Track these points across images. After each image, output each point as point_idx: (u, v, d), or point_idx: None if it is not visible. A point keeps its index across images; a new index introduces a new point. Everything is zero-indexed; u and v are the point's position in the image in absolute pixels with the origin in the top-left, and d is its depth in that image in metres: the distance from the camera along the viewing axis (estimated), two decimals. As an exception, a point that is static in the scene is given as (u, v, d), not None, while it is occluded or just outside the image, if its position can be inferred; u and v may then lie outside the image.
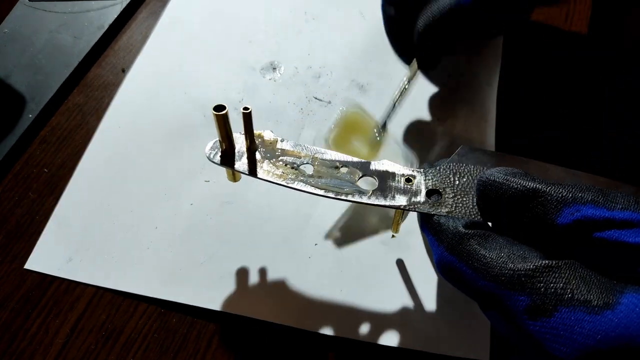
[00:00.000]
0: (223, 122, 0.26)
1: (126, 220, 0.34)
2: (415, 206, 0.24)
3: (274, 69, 0.42)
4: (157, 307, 0.31)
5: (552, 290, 0.17)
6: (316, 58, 0.42)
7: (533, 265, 0.18)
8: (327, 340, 0.29)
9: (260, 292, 0.31)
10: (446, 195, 0.24)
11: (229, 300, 0.30)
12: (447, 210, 0.23)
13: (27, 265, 0.32)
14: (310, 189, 0.26)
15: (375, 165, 0.27)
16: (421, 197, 0.25)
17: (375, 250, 0.32)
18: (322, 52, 0.42)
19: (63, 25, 0.45)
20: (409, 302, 0.30)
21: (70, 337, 0.30)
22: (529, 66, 0.41)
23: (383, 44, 0.43)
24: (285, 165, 0.27)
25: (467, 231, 0.21)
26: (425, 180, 0.25)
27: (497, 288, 0.19)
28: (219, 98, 0.40)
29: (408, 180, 0.26)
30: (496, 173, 0.21)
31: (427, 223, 0.24)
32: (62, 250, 0.33)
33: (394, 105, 0.34)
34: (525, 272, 0.18)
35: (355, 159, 0.27)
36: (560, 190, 0.19)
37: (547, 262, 0.18)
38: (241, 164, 0.27)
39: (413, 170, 0.26)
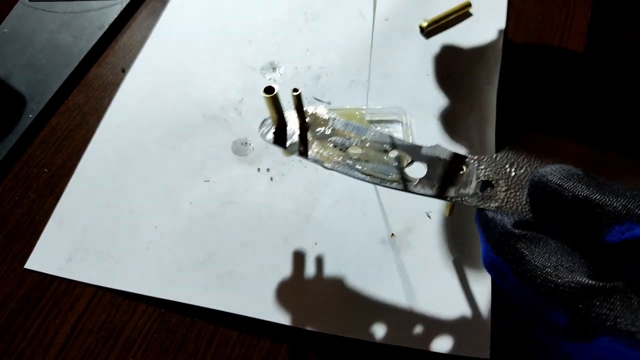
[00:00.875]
0: (274, 104, 0.25)
1: (126, 220, 0.34)
2: (463, 199, 0.23)
3: (274, 69, 0.42)
4: (157, 307, 0.31)
5: (594, 314, 0.16)
6: (316, 58, 0.42)
7: (578, 283, 0.17)
8: (328, 340, 0.29)
9: (260, 292, 0.31)
10: (498, 188, 0.22)
11: (229, 300, 0.30)
12: (496, 205, 0.22)
13: (27, 265, 0.32)
14: (356, 174, 0.25)
15: (427, 150, 0.25)
16: (470, 189, 0.23)
17: (375, 250, 0.32)
18: (322, 52, 0.42)
19: (63, 25, 0.45)
20: (409, 302, 0.30)
21: (70, 337, 0.30)
22: (529, 66, 0.41)
23: (383, 44, 0.43)
24: (334, 146, 0.26)
25: (515, 231, 0.20)
26: (477, 169, 0.23)
27: (537, 298, 0.18)
28: (218, 98, 0.40)
29: (459, 169, 0.24)
30: (550, 175, 0.19)
31: (478, 216, 0.22)
32: (62, 250, 0.33)
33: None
34: (568, 289, 0.17)
35: (407, 142, 0.26)
36: (614, 203, 0.17)
37: (593, 282, 0.17)
38: (292, 144, 0.26)
39: (467, 158, 0.24)
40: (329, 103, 0.39)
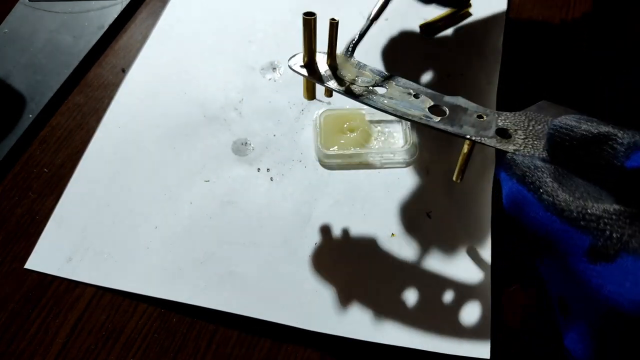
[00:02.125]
0: (311, 29, 0.27)
1: (126, 220, 0.34)
2: (482, 138, 0.23)
3: (274, 69, 0.42)
4: (157, 307, 0.31)
5: (618, 235, 0.17)
6: (316, 58, 0.42)
7: (603, 206, 0.17)
8: (327, 340, 0.29)
9: (260, 291, 0.31)
10: (517, 136, 0.23)
11: (229, 300, 0.30)
12: (514, 148, 0.22)
13: (27, 265, 0.32)
14: (380, 106, 0.26)
15: (449, 98, 0.26)
16: (490, 132, 0.24)
17: (375, 250, 0.32)
18: (322, 52, 0.42)
19: (63, 25, 0.45)
20: (409, 302, 0.30)
21: (70, 337, 0.30)
22: (529, 66, 0.41)
23: (383, 44, 0.43)
24: (361, 85, 0.27)
25: (544, 164, 0.20)
26: (497, 120, 0.24)
27: (560, 223, 0.18)
28: (218, 98, 0.40)
29: (480, 116, 0.25)
30: (569, 119, 0.21)
31: (501, 160, 0.23)
32: (62, 250, 0.33)
33: (370, 21, 0.33)
34: (593, 212, 0.17)
35: (430, 90, 0.27)
36: (632, 134, 0.18)
37: (617, 207, 0.17)
38: (322, 76, 0.27)
39: (487, 109, 0.25)
40: (329, 103, 0.39)
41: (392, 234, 0.33)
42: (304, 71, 0.27)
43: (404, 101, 0.26)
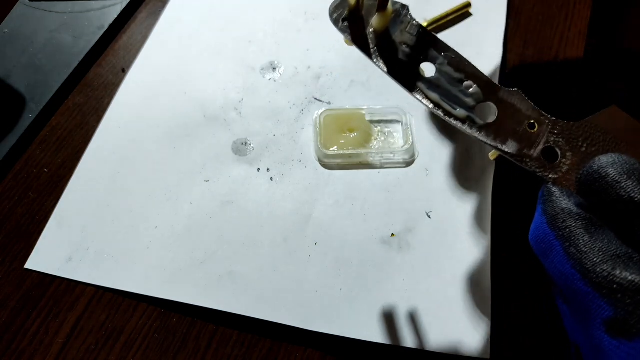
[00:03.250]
0: None
1: (126, 220, 0.34)
2: (523, 160, 0.21)
3: (274, 69, 0.42)
4: (157, 307, 0.31)
5: None
6: (316, 58, 0.42)
7: (630, 277, 0.16)
8: (327, 340, 0.29)
9: (260, 291, 0.31)
10: (564, 160, 0.21)
11: (229, 300, 0.30)
12: (554, 177, 0.21)
13: (27, 265, 0.32)
14: (420, 98, 0.23)
15: (504, 94, 0.23)
16: (535, 151, 0.21)
17: (375, 250, 0.32)
18: (322, 52, 0.42)
19: (63, 25, 0.45)
20: (409, 302, 0.30)
21: (70, 337, 0.30)
22: (529, 66, 0.41)
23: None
24: (407, 56, 0.23)
25: (578, 211, 0.19)
26: (549, 132, 0.22)
27: (584, 284, 0.17)
28: (218, 98, 0.40)
29: (531, 126, 0.22)
30: (611, 167, 0.18)
31: (542, 185, 0.21)
32: (62, 250, 0.33)
33: None
34: (619, 282, 0.16)
35: (485, 77, 0.23)
36: None
37: None
38: (363, 38, 0.23)
39: (542, 115, 0.22)
40: (329, 103, 0.39)
41: (392, 234, 0.33)
42: (345, 29, 0.23)
43: (450, 92, 0.23)
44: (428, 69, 0.23)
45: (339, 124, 0.37)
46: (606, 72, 0.41)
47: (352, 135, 0.36)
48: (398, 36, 0.24)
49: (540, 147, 0.22)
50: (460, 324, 0.29)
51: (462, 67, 0.23)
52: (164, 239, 0.33)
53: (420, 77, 0.23)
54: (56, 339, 0.30)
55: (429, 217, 0.33)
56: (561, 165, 0.21)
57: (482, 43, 0.42)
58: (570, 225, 0.18)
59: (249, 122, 0.38)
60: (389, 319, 0.29)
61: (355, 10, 0.23)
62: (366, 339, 0.29)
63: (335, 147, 0.36)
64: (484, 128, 0.22)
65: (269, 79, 0.41)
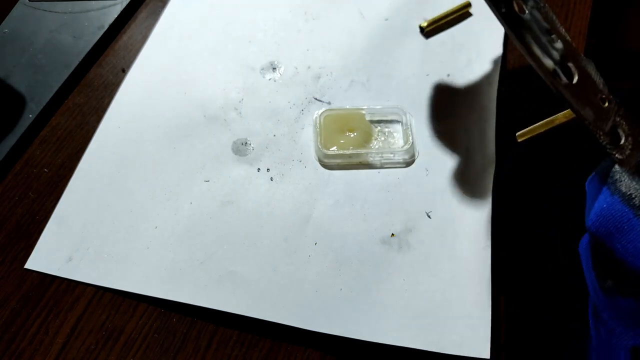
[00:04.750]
0: None
1: (126, 220, 0.34)
2: (599, 132, 0.21)
3: (274, 69, 0.42)
4: (157, 307, 0.31)
5: None
6: (316, 58, 0.42)
7: None
8: (327, 340, 0.29)
9: (260, 291, 0.31)
10: (626, 144, 0.21)
11: (229, 300, 0.30)
12: (622, 157, 0.20)
13: (27, 265, 0.32)
14: (515, 38, 0.21)
15: (583, 60, 0.23)
16: (607, 126, 0.21)
17: (375, 250, 0.32)
18: (322, 52, 0.42)
19: (63, 25, 0.45)
20: (409, 302, 0.30)
21: (70, 337, 0.30)
22: (529, 66, 0.41)
23: (383, 44, 0.43)
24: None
25: None
26: (617, 112, 0.22)
27: None
28: (218, 98, 0.40)
29: (603, 100, 0.22)
30: None
31: (600, 173, 0.21)
32: (62, 250, 0.33)
33: None
34: None
35: (567, 37, 0.23)
36: None
37: None
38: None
39: (611, 95, 0.22)
40: (329, 103, 0.39)
41: (392, 234, 0.33)
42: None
43: (540, 39, 0.22)
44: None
45: (339, 124, 0.37)
46: (606, 72, 0.41)
47: (352, 135, 0.36)
48: None
49: (610, 124, 0.21)
50: (460, 324, 0.29)
51: (548, 18, 0.23)
52: (164, 239, 0.33)
53: (515, 13, 0.22)
54: (56, 339, 0.30)
55: (429, 217, 0.33)
56: (624, 148, 0.21)
57: (482, 43, 0.42)
58: None
59: (249, 122, 0.38)
60: (389, 319, 0.29)
61: None
62: (366, 339, 0.29)
63: (335, 147, 0.36)
64: (568, 87, 0.21)
65: (269, 79, 0.41)
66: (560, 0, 0.45)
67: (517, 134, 0.26)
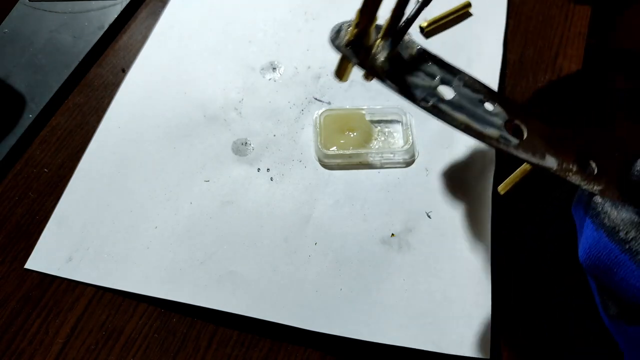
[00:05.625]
0: (376, 3, 0.21)
1: (126, 220, 0.34)
2: (567, 174, 0.20)
3: (274, 69, 0.42)
4: (157, 307, 0.31)
5: None
6: (316, 58, 0.42)
7: None
8: (327, 340, 0.29)
9: (260, 291, 0.31)
10: (601, 171, 0.20)
11: (229, 300, 0.30)
12: (600, 188, 0.19)
13: (27, 265, 0.32)
14: (452, 121, 0.21)
15: (525, 109, 0.22)
16: (573, 165, 0.20)
17: (375, 250, 0.32)
18: (322, 52, 0.42)
19: (63, 25, 0.45)
20: (409, 302, 0.30)
21: (70, 337, 0.30)
22: (529, 66, 0.41)
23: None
24: (424, 77, 0.22)
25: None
26: (578, 143, 0.21)
27: None
28: (218, 98, 0.40)
29: (560, 139, 0.21)
30: None
31: (582, 202, 0.20)
32: (62, 250, 0.33)
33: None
34: None
35: (503, 96, 0.23)
36: None
37: None
38: (371, 60, 0.21)
39: (567, 127, 0.23)
40: (329, 103, 0.39)
41: (392, 234, 0.33)
42: (351, 53, 0.21)
43: (476, 113, 0.21)
44: (447, 92, 0.22)
45: (339, 124, 0.37)
46: (606, 72, 0.41)
47: (352, 135, 0.36)
48: (407, 60, 0.23)
49: (576, 159, 0.21)
50: (460, 324, 0.29)
51: (477, 87, 0.23)
52: (164, 239, 0.33)
53: (442, 100, 0.22)
54: (56, 339, 0.30)
55: (429, 217, 0.33)
56: (601, 175, 0.20)
57: (482, 43, 0.42)
58: (636, 236, 0.17)
59: (249, 122, 0.38)
60: (389, 319, 0.29)
61: (359, 35, 0.22)
62: (366, 339, 0.29)
63: (335, 147, 0.36)
64: (520, 145, 0.21)
65: (269, 79, 0.41)
66: (560, 0, 0.45)
67: (499, 188, 0.25)
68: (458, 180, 0.35)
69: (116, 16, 0.46)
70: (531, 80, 0.40)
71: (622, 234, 0.17)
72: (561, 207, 0.34)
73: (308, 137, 0.37)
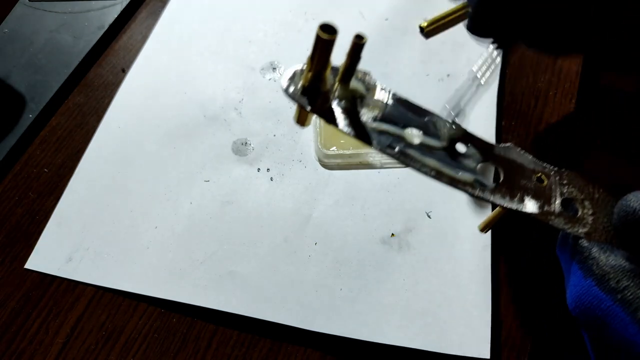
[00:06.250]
0: (326, 52, 0.20)
1: (126, 220, 0.34)
2: (549, 218, 0.19)
3: (274, 69, 0.42)
4: (157, 307, 0.31)
5: None
6: (316, 58, 0.42)
7: None
8: (327, 340, 0.29)
9: (260, 291, 0.31)
10: (585, 211, 0.19)
11: (229, 300, 0.30)
12: (585, 230, 0.18)
13: (27, 265, 0.32)
14: (420, 168, 0.20)
15: (501, 150, 0.21)
16: (555, 207, 0.19)
17: (375, 250, 0.32)
18: (322, 52, 0.42)
19: (63, 25, 0.45)
20: (409, 302, 0.30)
21: (70, 337, 0.30)
22: (529, 65, 0.41)
23: (383, 44, 0.43)
24: (388, 121, 0.20)
25: (631, 266, 0.16)
26: (560, 183, 0.20)
27: None
28: (218, 98, 0.40)
29: (540, 180, 0.20)
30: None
31: (568, 245, 0.19)
32: (62, 250, 0.33)
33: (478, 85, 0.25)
34: None
35: (476, 136, 0.21)
36: None
37: None
38: (328, 109, 0.20)
39: (545, 166, 0.21)
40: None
41: (392, 234, 0.33)
42: (305, 101, 0.20)
43: (447, 157, 0.20)
44: (415, 135, 0.20)
45: None
46: (606, 73, 0.41)
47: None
48: (369, 104, 0.21)
49: (558, 200, 0.20)
50: (460, 324, 0.29)
51: (448, 128, 0.21)
52: (164, 239, 0.33)
53: (409, 145, 0.20)
54: (56, 339, 0.30)
55: (429, 217, 0.33)
56: (585, 216, 0.19)
57: (482, 43, 0.42)
58: (629, 285, 0.16)
59: (249, 122, 0.38)
60: (388, 319, 0.29)
61: (314, 80, 0.20)
62: (366, 339, 0.29)
63: (335, 147, 0.36)
64: (496, 190, 0.20)
65: (269, 79, 0.41)
66: (560, 0, 0.45)
67: (478, 227, 0.25)
68: (458, 180, 0.35)
69: (116, 16, 0.46)
70: (531, 80, 0.40)
71: (612, 283, 0.16)
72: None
73: (308, 137, 0.37)
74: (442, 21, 0.43)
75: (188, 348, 0.30)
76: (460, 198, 0.34)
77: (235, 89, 0.40)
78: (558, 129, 0.38)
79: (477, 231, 0.32)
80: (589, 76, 0.41)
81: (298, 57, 0.42)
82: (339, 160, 0.36)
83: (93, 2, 0.47)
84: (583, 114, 0.38)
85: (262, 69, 0.42)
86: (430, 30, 0.43)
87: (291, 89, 0.20)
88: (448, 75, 0.40)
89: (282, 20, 0.45)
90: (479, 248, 0.32)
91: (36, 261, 0.33)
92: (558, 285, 0.31)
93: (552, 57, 0.40)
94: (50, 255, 0.33)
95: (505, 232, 0.33)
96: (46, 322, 0.31)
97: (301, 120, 0.21)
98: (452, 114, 0.27)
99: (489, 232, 0.32)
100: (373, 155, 0.35)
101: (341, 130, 0.20)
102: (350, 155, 0.35)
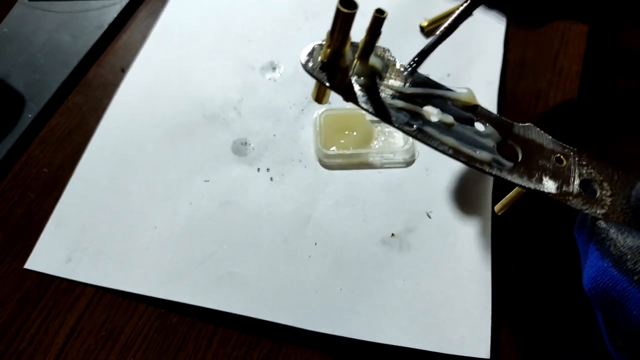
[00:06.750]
0: (346, 26, 0.19)
1: (126, 220, 0.34)
2: (567, 198, 0.19)
3: (274, 68, 0.42)
4: (157, 307, 0.31)
5: None
6: (316, 58, 0.42)
7: None
8: (327, 340, 0.29)
9: (260, 291, 0.31)
10: (604, 192, 0.19)
11: (229, 300, 0.30)
12: (603, 212, 0.18)
13: (27, 265, 0.32)
14: (438, 146, 0.19)
15: (520, 129, 0.21)
16: (574, 187, 0.19)
17: (375, 250, 0.32)
18: (322, 51, 0.42)
19: (62, 25, 0.45)
20: (409, 302, 0.30)
21: (70, 337, 0.30)
22: (529, 65, 0.41)
23: (383, 44, 0.42)
24: (406, 99, 0.20)
25: None
26: (579, 164, 0.20)
27: None
28: (218, 97, 0.40)
29: (559, 160, 0.20)
30: None
31: (586, 226, 0.19)
32: (61, 250, 0.33)
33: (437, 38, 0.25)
34: None
35: (495, 115, 0.21)
36: None
37: None
38: (347, 85, 0.20)
39: (565, 147, 0.20)
40: (329, 103, 0.39)
41: (392, 234, 0.33)
42: (324, 77, 0.20)
43: (465, 135, 0.20)
44: (433, 113, 0.20)
45: (339, 123, 0.37)
46: (606, 72, 0.41)
47: (352, 135, 0.36)
48: (388, 81, 0.21)
49: (577, 181, 0.19)
50: (460, 324, 0.29)
51: (467, 106, 0.21)
52: (164, 239, 0.33)
53: (427, 122, 0.20)
54: (56, 339, 0.30)
55: (429, 217, 0.33)
56: (604, 198, 0.19)
57: (482, 43, 0.42)
58: None
59: (249, 122, 0.38)
60: (389, 320, 0.29)
61: (333, 56, 0.20)
62: (366, 339, 0.29)
63: (335, 147, 0.36)
64: (514, 169, 0.20)
65: (269, 79, 0.41)
66: None
67: (495, 208, 0.24)
68: (458, 180, 0.35)
69: (115, 16, 0.46)
70: (531, 80, 0.40)
71: (630, 264, 0.16)
72: (562, 207, 0.34)
73: (308, 137, 0.37)
74: (443, 21, 0.43)
75: (188, 348, 0.30)
76: (460, 198, 0.34)
77: (235, 89, 0.40)
78: (558, 128, 0.38)
79: (477, 231, 0.33)
80: (589, 76, 0.41)
81: (298, 56, 0.42)
82: (339, 160, 0.36)
83: (92, 2, 0.47)
84: (583, 114, 0.38)
85: (262, 68, 0.42)
86: (430, 29, 0.43)
87: (310, 65, 0.20)
88: (448, 75, 0.40)
89: (282, 19, 0.45)
90: (479, 248, 0.32)
91: (36, 261, 0.33)
92: (558, 284, 0.31)
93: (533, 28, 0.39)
94: (49, 256, 0.33)
95: (505, 232, 0.33)
96: (46, 322, 0.31)
97: (319, 96, 0.22)
98: None
99: (489, 233, 0.32)
100: (373, 155, 0.35)
101: (360, 106, 0.20)
102: (350, 155, 0.35)
